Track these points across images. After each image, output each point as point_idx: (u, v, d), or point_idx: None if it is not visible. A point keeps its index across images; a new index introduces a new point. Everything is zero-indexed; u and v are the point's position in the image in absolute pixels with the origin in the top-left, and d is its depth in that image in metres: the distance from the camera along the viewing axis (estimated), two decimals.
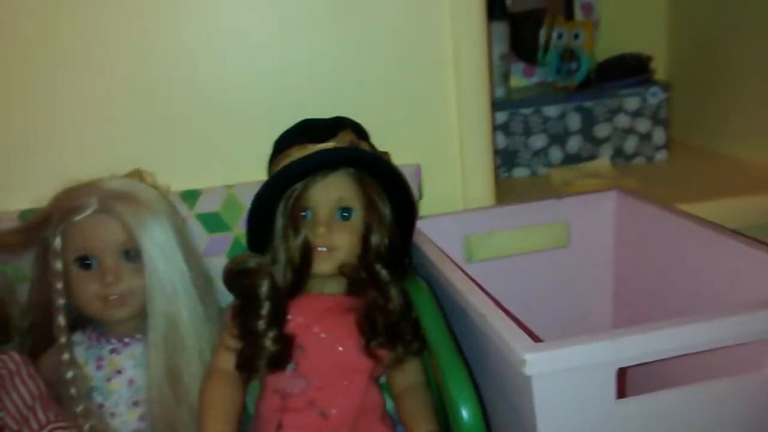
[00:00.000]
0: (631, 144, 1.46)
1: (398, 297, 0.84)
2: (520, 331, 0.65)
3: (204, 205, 0.97)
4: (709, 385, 0.68)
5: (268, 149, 0.92)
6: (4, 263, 0.89)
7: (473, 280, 0.78)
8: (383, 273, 0.85)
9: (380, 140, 0.96)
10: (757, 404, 0.71)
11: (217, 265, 0.92)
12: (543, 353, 0.61)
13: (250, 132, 1.02)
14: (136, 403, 0.82)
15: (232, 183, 1.00)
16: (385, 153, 0.92)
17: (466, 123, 1.07)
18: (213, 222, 0.97)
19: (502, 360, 0.68)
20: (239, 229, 0.97)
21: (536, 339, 0.64)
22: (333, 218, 0.85)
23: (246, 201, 0.97)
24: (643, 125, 1.46)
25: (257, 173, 0.96)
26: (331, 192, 0.85)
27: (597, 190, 1.09)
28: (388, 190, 0.88)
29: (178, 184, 0.98)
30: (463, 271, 0.81)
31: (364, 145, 0.88)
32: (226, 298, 0.90)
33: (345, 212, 0.85)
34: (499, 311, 0.69)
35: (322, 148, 0.85)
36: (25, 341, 0.88)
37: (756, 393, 0.70)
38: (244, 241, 0.95)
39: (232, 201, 0.98)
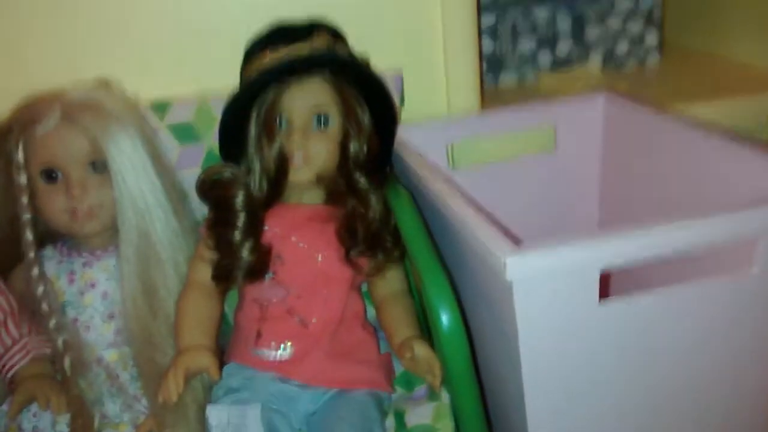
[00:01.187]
0: (622, 47, 1.41)
1: (378, 205, 0.82)
2: (501, 235, 0.62)
3: (175, 116, 0.93)
4: (694, 286, 0.67)
5: (241, 55, 0.88)
6: None
7: (456, 186, 0.76)
8: (362, 181, 0.82)
9: (359, 44, 0.91)
10: (742, 305, 0.69)
11: (191, 177, 0.90)
12: (523, 256, 0.59)
13: (222, 37, 0.96)
14: (111, 316, 0.81)
15: (204, 92, 0.95)
16: (364, 56, 0.87)
17: (450, 25, 1.02)
18: (185, 133, 0.93)
19: (482, 265, 0.66)
20: (212, 140, 0.93)
21: (517, 242, 0.62)
22: (309, 125, 0.82)
23: (219, 111, 0.92)
24: (635, 27, 1.40)
25: (230, 81, 0.91)
26: (307, 98, 0.81)
27: (585, 94, 1.06)
28: (368, 95, 0.84)
29: (147, 93, 0.93)
30: (445, 177, 0.79)
31: (341, 48, 0.84)
32: (202, 211, 0.88)
33: (322, 119, 0.82)
34: (480, 215, 0.66)
35: (296, 52, 0.80)
36: None
37: (741, 294, 0.69)
38: (217, 152, 0.92)
39: (204, 111, 0.94)
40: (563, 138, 1.03)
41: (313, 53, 0.80)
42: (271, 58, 0.81)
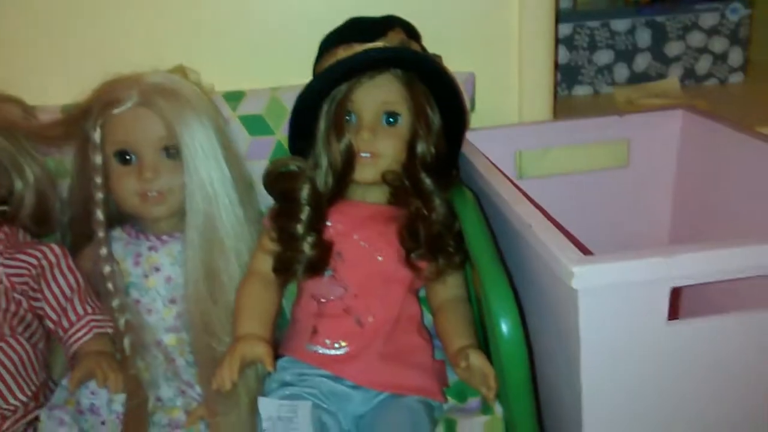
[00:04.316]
0: (704, 64, 1.37)
1: (442, 207, 0.80)
2: (569, 242, 0.61)
3: (247, 107, 0.94)
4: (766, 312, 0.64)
5: (315, 51, 0.88)
6: (46, 156, 0.88)
7: (523, 193, 0.74)
8: (428, 182, 0.81)
9: (433, 44, 0.89)
10: None
11: (259, 168, 0.91)
12: (592, 266, 0.57)
13: (297, 32, 0.98)
14: (173, 301, 0.82)
15: (277, 85, 0.96)
16: (437, 56, 0.87)
17: (526, 31, 1.00)
18: (256, 124, 0.94)
19: (547, 272, 0.64)
20: (282, 132, 0.94)
21: (586, 252, 0.60)
22: (378, 123, 0.81)
23: (290, 104, 0.93)
24: (719, 44, 1.36)
25: (304, 76, 0.92)
26: (377, 95, 0.81)
27: (662, 108, 1.02)
28: (438, 95, 0.83)
29: (222, 84, 0.94)
30: (513, 184, 0.77)
31: (414, 46, 0.83)
32: (267, 202, 0.88)
33: (391, 117, 0.81)
34: (547, 222, 0.65)
35: (369, 47, 0.80)
36: (66, 235, 0.88)
37: None
38: (286, 145, 0.92)
39: (276, 104, 0.95)
40: (637, 152, 1.00)
41: (386, 50, 0.80)
42: (344, 53, 0.81)
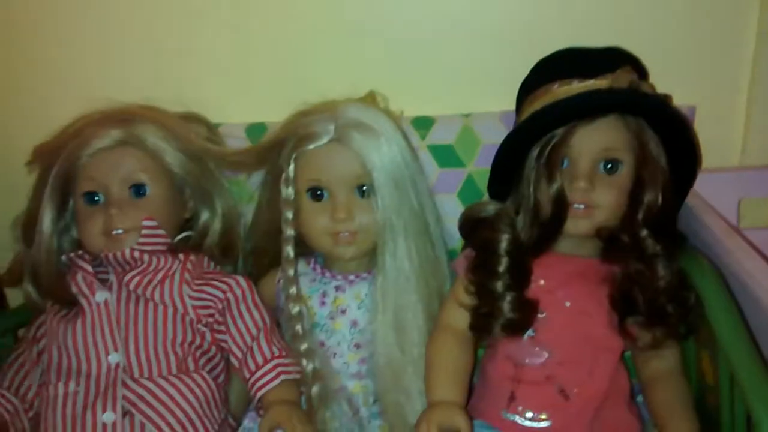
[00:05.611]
0: None
1: (668, 273, 0.70)
2: None
3: (437, 135, 0.88)
4: None
5: (512, 76, 0.80)
6: (230, 178, 0.85)
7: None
8: (650, 241, 0.71)
9: (652, 73, 0.79)
10: None
11: (448, 203, 0.86)
12: None
13: (495, 56, 0.90)
14: (357, 346, 0.77)
15: (468, 111, 0.88)
16: (668, 96, 0.76)
17: (763, 61, 0.87)
18: (446, 155, 0.87)
19: None
20: (474, 165, 0.87)
21: None
22: (596, 170, 0.72)
23: (484, 133, 0.87)
24: None
25: (498, 102, 0.84)
26: (598, 140, 0.71)
27: None
28: (666, 139, 0.73)
29: (411, 109, 0.88)
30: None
31: (645, 88, 0.73)
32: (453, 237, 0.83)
33: (611, 164, 0.72)
34: None
35: (595, 87, 0.70)
36: (247, 263, 0.85)
37: None
38: (478, 180, 0.85)
39: (467, 133, 0.87)
40: None
41: (616, 94, 0.70)
42: (562, 91, 0.72)
